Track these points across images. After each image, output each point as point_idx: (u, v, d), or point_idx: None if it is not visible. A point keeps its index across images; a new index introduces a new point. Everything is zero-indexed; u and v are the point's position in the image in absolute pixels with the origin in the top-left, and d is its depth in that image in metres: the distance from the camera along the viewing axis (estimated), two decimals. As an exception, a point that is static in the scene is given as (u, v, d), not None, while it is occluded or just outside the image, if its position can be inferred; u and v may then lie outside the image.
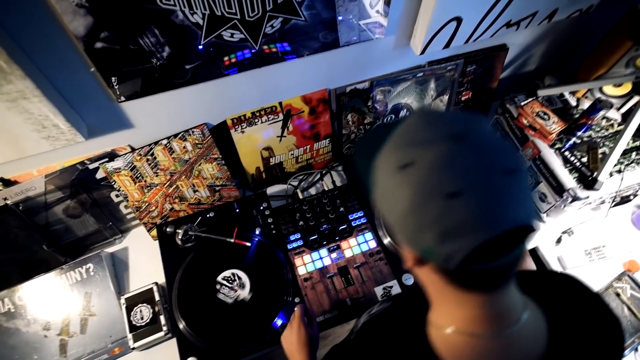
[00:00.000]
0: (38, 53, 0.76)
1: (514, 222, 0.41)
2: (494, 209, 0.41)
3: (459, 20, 1.03)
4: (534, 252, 1.30)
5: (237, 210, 1.19)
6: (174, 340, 1.01)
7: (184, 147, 1.12)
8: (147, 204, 1.17)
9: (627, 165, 1.16)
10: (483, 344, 0.50)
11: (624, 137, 1.06)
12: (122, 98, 0.91)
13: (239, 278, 1.06)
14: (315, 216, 1.19)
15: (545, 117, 1.20)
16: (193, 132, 1.10)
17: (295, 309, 0.90)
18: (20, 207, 1.04)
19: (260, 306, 1.03)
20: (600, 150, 1.18)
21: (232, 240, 1.09)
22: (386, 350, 0.59)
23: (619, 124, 1.25)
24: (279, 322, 1.01)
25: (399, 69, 1.21)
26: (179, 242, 1.11)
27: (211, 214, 1.18)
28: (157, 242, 1.16)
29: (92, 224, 1.17)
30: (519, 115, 1.25)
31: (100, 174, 1.08)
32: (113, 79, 0.86)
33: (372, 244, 1.14)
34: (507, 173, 0.42)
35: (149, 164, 1.10)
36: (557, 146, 1.20)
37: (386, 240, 1.14)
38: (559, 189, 1.14)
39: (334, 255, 1.12)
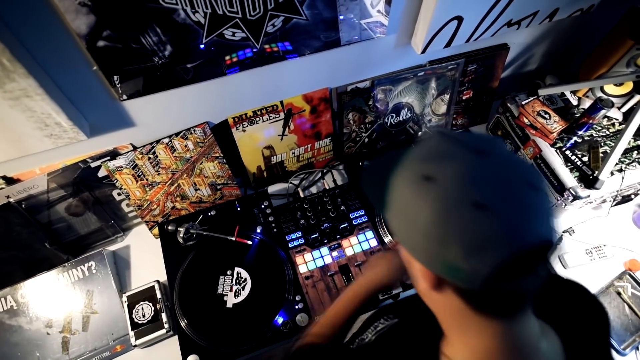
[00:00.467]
0: (41, 51, 0.76)
1: (539, 237, 0.40)
2: (522, 223, 0.40)
3: (459, 19, 1.03)
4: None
5: (239, 209, 1.19)
6: (176, 337, 1.01)
7: (186, 146, 1.12)
8: (148, 202, 1.17)
9: (628, 164, 1.16)
10: None
11: (624, 136, 1.06)
12: (124, 97, 0.91)
13: (241, 276, 1.06)
14: (316, 215, 1.19)
15: (547, 116, 1.21)
16: (194, 130, 1.11)
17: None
18: (23, 205, 1.05)
19: (262, 304, 1.04)
20: (601, 150, 1.19)
21: (234, 239, 1.09)
22: None
23: (620, 123, 1.25)
24: (280, 320, 1.01)
25: (400, 68, 1.21)
26: (181, 241, 1.12)
27: (212, 213, 1.18)
28: (158, 240, 1.17)
29: (94, 222, 1.18)
30: (520, 115, 1.25)
31: (102, 173, 1.09)
32: (115, 77, 0.86)
33: (373, 243, 1.14)
34: (532, 188, 0.41)
35: (151, 163, 1.11)
36: (558, 145, 1.20)
37: (387, 239, 1.15)
38: (560, 188, 1.14)
39: (335, 253, 1.12)
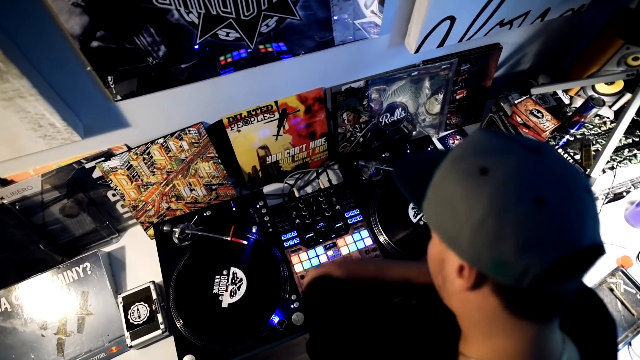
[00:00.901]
0: (34, 52, 0.76)
1: (592, 240, 0.39)
2: (580, 224, 0.39)
3: (452, 19, 1.04)
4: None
5: (234, 209, 1.20)
6: (172, 338, 1.01)
7: (181, 146, 1.12)
8: (143, 203, 1.17)
9: (620, 162, 1.18)
10: None
11: (615, 134, 1.08)
12: (119, 97, 0.91)
13: (236, 276, 1.06)
14: (312, 214, 1.19)
15: (539, 115, 1.22)
16: (189, 131, 1.11)
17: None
18: (17, 207, 1.04)
19: (257, 304, 1.04)
20: (593, 148, 1.20)
21: (229, 239, 1.09)
22: None
23: (611, 122, 1.26)
24: (275, 319, 1.02)
25: (393, 68, 1.22)
26: (176, 241, 1.12)
27: (208, 213, 1.18)
28: (154, 241, 1.17)
29: (89, 223, 1.17)
30: (513, 114, 1.26)
31: (96, 173, 1.09)
32: (109, 78, 0.86)
33: (368, 242, 1.14)
34: (587, 191, 0.41)
35: (146, 163, 1.11)
36: (550, 144, 1.21)
37: (382, 238, 1.15)
38: (552, 185, 1.15)
39: (330, 252, 1.13)
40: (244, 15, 0.86)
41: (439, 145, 1.42)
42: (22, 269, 1.12)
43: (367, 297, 0.72)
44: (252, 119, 1.15)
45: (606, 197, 1.24)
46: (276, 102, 1.15)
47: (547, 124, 1.20)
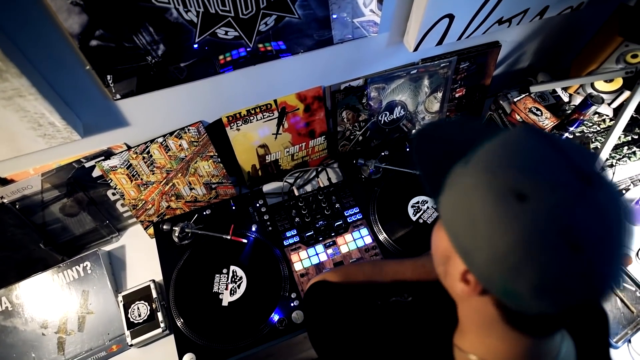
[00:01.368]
0: (33, 51, 0.76)
1: (612, 284, 0.37)
2: (609, 274, 0.36)
3: (451, 17, 1.04)
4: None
5: (234, 208, 1.20)
6: (172, 336, 1.01)
7: (180, 145, 1.12)
8: (143, 202, 1.17)
9: (619, 159, 1.18)
10: None
11: (614, 131, 1.08)
12: (118, 96, 0.91)
13: (236, 274, 1.07)
14: (311, 213, 1.19)
15: (538, 112, 1.22)
16: (189, 130, 1.11)
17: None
18: (17, 206, 1.04)
19: (257, 302, 1.04)
20: (592, 145, 1.20)
21: (229, 237, 1.09)
22: None
23: (611, 119, 1.26)
24: (275, 317, 1.02)
25: (392, 66, 1.22)
26: (176, 240, 1.12)
27: (207, 212, 1.18)
28: (154, 239, 1.17)
29: (89, 222, 1.18)
30: (512, 112, 1.26)
31: (96, 172, 1.09)
32: (108, 77, 0.86)
33: (368, 240, 1.15)
34: (628, 232, 0.37)
35: (145, 162, 1.11)
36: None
37: (381, 236, 1.15)
38: (551, 183, 1.15)
39: (330, 251, 1.13)
40: (242, 13, 0.86)
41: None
42: (22, 268, 1.12)
43: (363, 298, 0.72)
44: (252, 118, 1.15)
45: (605, 195, 1.25)
46: (275, 101, 1.15)
47: (547, 121, 1.20)
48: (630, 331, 1.08)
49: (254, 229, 1.16)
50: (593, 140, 1.21)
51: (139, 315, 1.04)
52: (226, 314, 1.02)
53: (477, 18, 1.08)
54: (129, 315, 1.04)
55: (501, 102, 1.31)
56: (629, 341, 1.08)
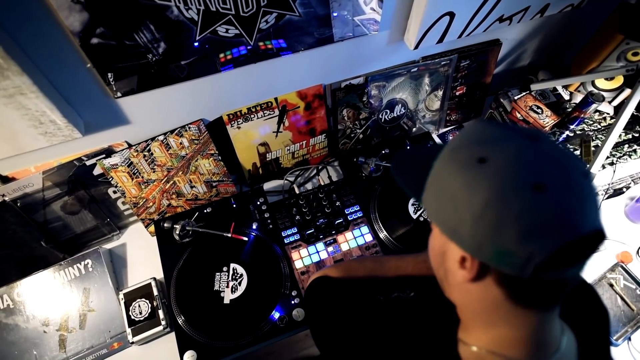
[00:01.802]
0: (34, 49, 0.77)
1: (594, 227, 0.39)
2: (579, 209, 0.39)
3: (451, 15, 1.04)
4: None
5: (234, 206, 1.20)
6: (173, 334, 1.02)
7: (181, 143, 1.13)
8: (144, 200, 1.18)
9: (619, 157, 1.18)
10: None
11: (615, 129, 1.08)
12: (119, 94, 0.92)
13: (237, 272, 1.07)
14: (312, 211, 1.20)
15: (539, 110, 1.22)
16: (189, 128, 1.11)
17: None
18: (18, 204, 1.05)
19: (258, 300, 1.04)
20: (592, 143, 1.20)
21: (229, 235, 1.10)
22: None
23: (611, 117, 1.26)
24: (276, 315, 1.02)
25: (393, 64, 1.22)
26: (177, 238, 1.12)
27: (208, 210, 1.19)
28: (154, 237, 1.17)
29: (90, 220, 1.18)
30: (513, 110, 1.27)
31: (97, 171, 1.09)
32: (109, 75, 0.86)
33: (368, 238, 1.15)
34: (586, 177, 0.41)
35: (146, 160, 1.11)
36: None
37: (382, 234, 1.16)
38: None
39: (330, 249, 1.13)
40: (243, 11, 0.86)
41: (439, 142, 1.42)
42: (23, 266, 1.13)
43: (365, 293, 0.73)
44: (252, 116, 1.15)
45: (606, 193, 1.25)
46: (276, 99, 1.15)
47: (547, 119, 1.20)
48: (630, 329, 1.08)
49: (254, 227, 1.16)
50: (594, 138, 1.21)
51: (140, 313, 1.04)
52: (227, 312, 1.03)
53: (477, 16, 1.08)
54: (130, 313, 1.04)
55: (502, 100, 1.31)
56: (629, 339, 1.08)
